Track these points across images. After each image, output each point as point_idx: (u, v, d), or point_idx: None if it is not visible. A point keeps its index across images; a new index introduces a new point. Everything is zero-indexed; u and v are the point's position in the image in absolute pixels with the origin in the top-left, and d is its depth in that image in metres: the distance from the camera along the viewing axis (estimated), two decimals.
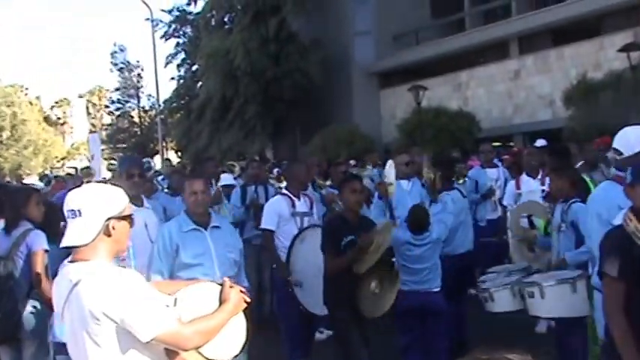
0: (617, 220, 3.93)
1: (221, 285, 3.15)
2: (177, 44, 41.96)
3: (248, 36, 32.20)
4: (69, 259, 2.93)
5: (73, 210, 2.85)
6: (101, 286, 2.73)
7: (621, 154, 4.53)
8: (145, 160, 11.79)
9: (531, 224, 6.63)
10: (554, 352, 5.88)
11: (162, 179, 12.03)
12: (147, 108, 52.59)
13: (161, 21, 40.84)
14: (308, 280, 6.26)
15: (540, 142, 11.62)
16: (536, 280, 5.47)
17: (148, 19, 39.44)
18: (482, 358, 1.60)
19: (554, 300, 5.27)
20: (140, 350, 2.79)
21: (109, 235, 2.87)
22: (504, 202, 8.78)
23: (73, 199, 2.88)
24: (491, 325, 6.58)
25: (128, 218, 2.98)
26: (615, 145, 4.63)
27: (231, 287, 3.10)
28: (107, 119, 61.88)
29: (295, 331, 6.62)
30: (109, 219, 2.87)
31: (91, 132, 37.85)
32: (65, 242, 2.85)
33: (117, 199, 2.95)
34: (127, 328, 2.72)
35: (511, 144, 24.63)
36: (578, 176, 6.29)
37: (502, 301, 5.80)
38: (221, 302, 3.06)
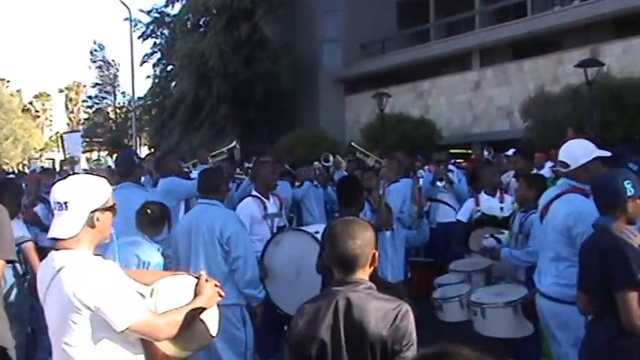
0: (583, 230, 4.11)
1: (197, 278, 3.10)
2: (154, 44, 41.22)
3: (222, 39, 31.68)
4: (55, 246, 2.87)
5: (59, 203, 2.80)
6: (80, 274, 2.70)
7: (568, 166, 4.52)
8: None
9: (498, 241, 6.12)
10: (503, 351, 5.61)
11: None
12: (122, 105, 51.91)
13: (139, 21, 40.11)
14: (286, 283, 5.85)
15: (512, 151, 11.07)
16: (480, 300, 5.35)
17: (126, 19, 38.55)
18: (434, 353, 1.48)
19: (495, 321, 5.19)
20: (115, 339, 2.75)
21: (93, 227, 2.83)
22: (458, 217, 7.96)
23: (59, 192, 2.83)
24: (443, 325, 5.93)
25: (111, 209, 2.92)
26: (562, 158, 4.60)
27: (206, 281, 3.06)
28: (84, 114, 60.91)
29: (266, 332, 6.03)
30: (93, 211, 2.83)
31: (72, 131, 36.66)
32: (52, 234, 2.81)
33: (101, 191, 2.89)
34: (102, 317, 2.67)
35: (469, 151, 24.22)
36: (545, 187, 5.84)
37: (451, 313, 5.74)
38: (196, 295, 3.01)
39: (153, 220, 5.02)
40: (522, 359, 5.50)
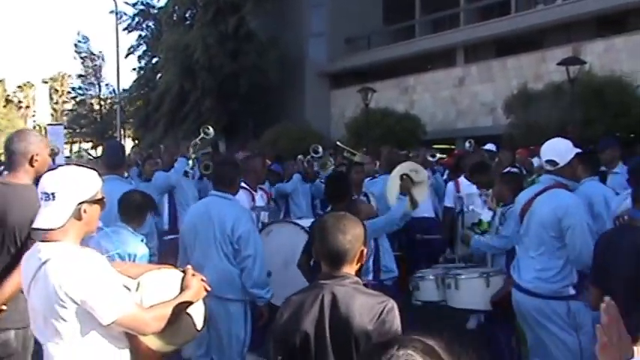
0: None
1: (184, 272, 3.06)
2: (140, 37, 40.99)
3: (208, 32, 31.57)
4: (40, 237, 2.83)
5: (47, 193, 2.76)
6: (66, 267, 2.65)
7: (557, 164, 4.60)
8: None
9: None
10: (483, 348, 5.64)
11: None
12: (106, 96, 51.57)
13: (125, 14, 39.91)
14: (273, 273, 5.67)
15: (489, 146, 11.19)
16: (454, 272, 5.49)
17: (112, 11, 38.36)
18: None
19: (466, 292, 5.30)
20: (101, 332, 2.72)
21: (80, 219, 2.78)
22: (445, 203, 8.40)
23: (47, 182, 2.78)
24: (422, 321, 5.93)
25: (100, 202, 2.88)
26: (550, 156, 4.66)
27: (193, 275, 3.03)
28: (69, 105, 60.38)
29: (254, 322, 5.93)
30: (81, 203, 2.78)
31: (56, 124, 36.39)
32: (37, 224, 2.75)
33: (90, 183, 2.84)
34: (88, 310, 2.64)
35: (452, 147, 24.35)
36: (521, 184, 5.93)
37: (426, 291, 5.79)
38: (182, 289, 2.97)
39: (136, 209, 4.90)
40: (496, 349, 5.53)
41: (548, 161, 4.68)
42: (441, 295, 5.64)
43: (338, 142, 12.95)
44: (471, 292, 5.28)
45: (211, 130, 9.19)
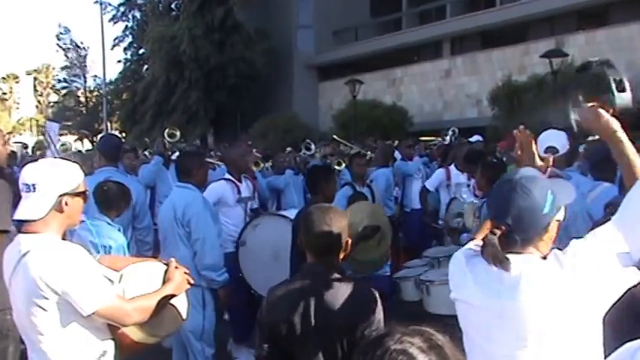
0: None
1: (167, 265, 3.09)
2: (126, 28, 40.93)
3: (194, 23, 31.68)
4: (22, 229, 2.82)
5: (27, 184, 2.76)
6: (46, 258, 2.65)
7: (557, 151, 4.56)
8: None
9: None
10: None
11: None
12: (92, 88, 51.25)
13: (109, 4, 39.82)
14: (263, 266, 5.84)
15: (476, 138, 11.49)
16: (427, 278, 5.49)
17: (96, 1, 38.25)
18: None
19: (437, 298, 5.26)
20: (82, 323, 2.73)
21: (61, 212, 2.77)
22: (426, 184, 8.63)
23: (28, 174, 2.78)
24: (403, 306, 6.23)
25: (82, 194, 2.87)
26: (552, 143, 4.64)
27: (176, 268, 3.06)
28: (54, 97, 59.90)
29: (242, 316, 6.18)
30: (62, 195, 2.77)
31: (54, 120, 36.30)
32: (18, 215, 2.76)
33: (72, 176, 2.84)
34: (68, 301, 2.64)
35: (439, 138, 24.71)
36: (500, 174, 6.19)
37: (406, 292, 5.82)
38: (165, 281, 3.00)
39: (110, 199, 4.86)
40: None
41: (548, 148, 4.69)
42: (421, 294, 5.71)
43: (335, 136, 13.23)
44: (441, 297, 5.19)
45: (178, 133, 8.85)
